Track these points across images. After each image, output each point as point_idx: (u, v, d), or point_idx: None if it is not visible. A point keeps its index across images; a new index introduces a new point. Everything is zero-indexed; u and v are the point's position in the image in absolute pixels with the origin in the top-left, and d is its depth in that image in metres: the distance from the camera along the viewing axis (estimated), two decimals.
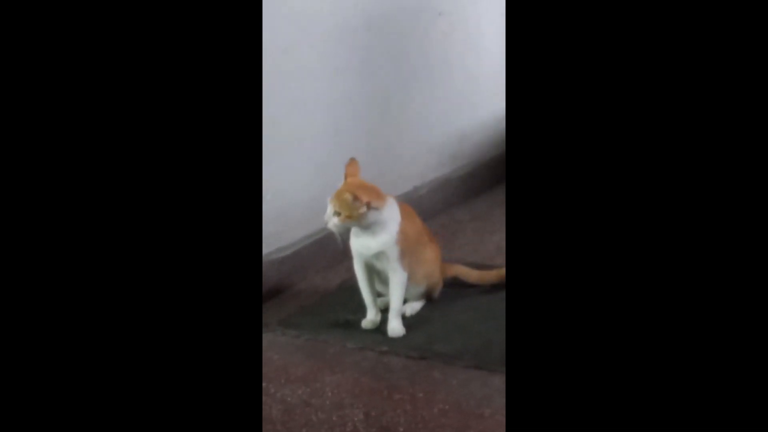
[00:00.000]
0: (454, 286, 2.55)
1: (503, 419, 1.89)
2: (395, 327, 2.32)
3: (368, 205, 2.21)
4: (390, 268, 2.31)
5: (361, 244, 2.29)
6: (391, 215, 2.28)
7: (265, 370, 2.13)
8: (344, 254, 2.51)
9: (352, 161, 2.29)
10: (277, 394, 2.03)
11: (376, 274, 2.36)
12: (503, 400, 1.96)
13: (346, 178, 2.26)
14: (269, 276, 2.55)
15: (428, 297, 2.46)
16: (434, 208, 3.18)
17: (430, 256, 2.44)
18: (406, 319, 2.38)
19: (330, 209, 2.21)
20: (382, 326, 2.33)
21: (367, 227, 2.24)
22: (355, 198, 2.19)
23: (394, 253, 2.29)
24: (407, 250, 2.32)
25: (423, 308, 2.44)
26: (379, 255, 2.29)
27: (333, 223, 2.22)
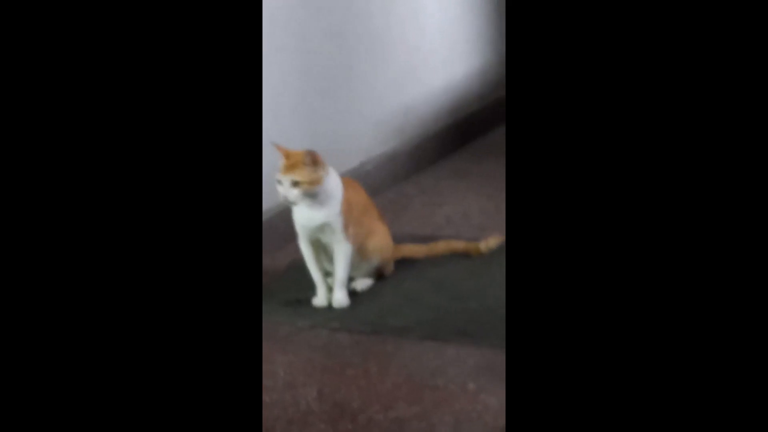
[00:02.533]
0: (404, 260, 2.53)
1: (456, 389, 1.88)
2: (340, 298, 2.30)
3: (324, 169, 2.19)
4: (335, 240, 2.29)
5: (304, 218, 2.27)
6: (334, 185, 2.26)
7: None
8: (291, 235, 2.48)
9: (279, 148, 2.24)
10: None
11: (322, 251, 2.33)
12: (456, 371, 1.96)
13: (285, 158, 2.22)
14: None
15: (380, 275, 2.44)
16: (382, 183, 3.16)
17: (381, 230, 2.42)
18: (357, 295, 2.35)
19: (286, 183, 2.18)
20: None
21: (313, 198, 2.21)
22: (314, 160, 2.17)
23: (338, 224, 2.27)
24: (352, 221, 2.30)
25: (374, 283, 2.41)
26: (324, 227, 2.27)
27: (294, 194, 2.18)
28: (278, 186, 2.20)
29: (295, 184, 2.18)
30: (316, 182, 2.19)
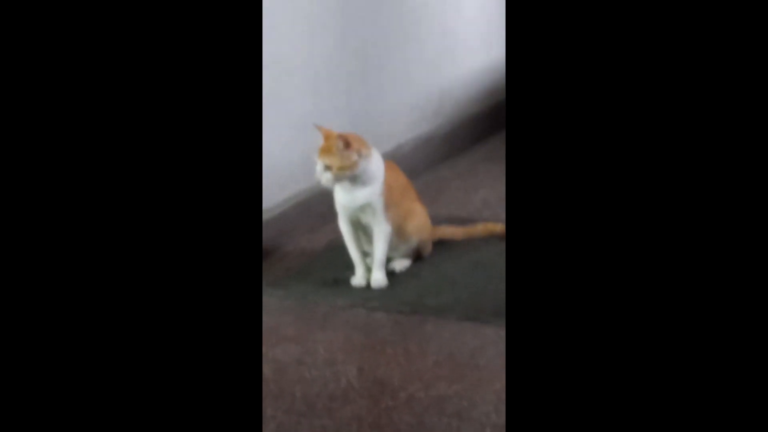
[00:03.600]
0: (442, 242, 2.53)
1: (498, 369, 1.87)
2: (378, 278, 2.30)
3: (359, 153, 2.18)
4: (375, 221, 2.28)
5: (346, 198, 2.27)
6: (377, 166, 2.26)
7: None
8: (329, 215, 2.48)
9: (321, 129, 2.23)
10: (269, 353, 2.00)
11: (361, 231, 2.33)
12: (497, 350, 1.95)
13: (324, 139, 2.22)
14: None
15: (418, 256, 2.44)
16: (417, 166, 3.15)
17: (419, 211, 2.42)
18: (396, 275, 2.35)
19: (320, 165, 2.18)
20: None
21: (355, 179, 2.21)
22: (347, 145, 2.16)
23: (379, 204, 2.26)
24: (392, 202, 2.30)
25: (412, 264, 2.41)
26: (365, 207, 2.27)
27: (326, 178, 2.18)
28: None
29: (327, 168, 2.17)
30: (348, 168, 2.18)
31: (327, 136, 2.21)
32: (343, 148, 2.16)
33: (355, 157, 2.18)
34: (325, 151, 2.18)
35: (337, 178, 2.19)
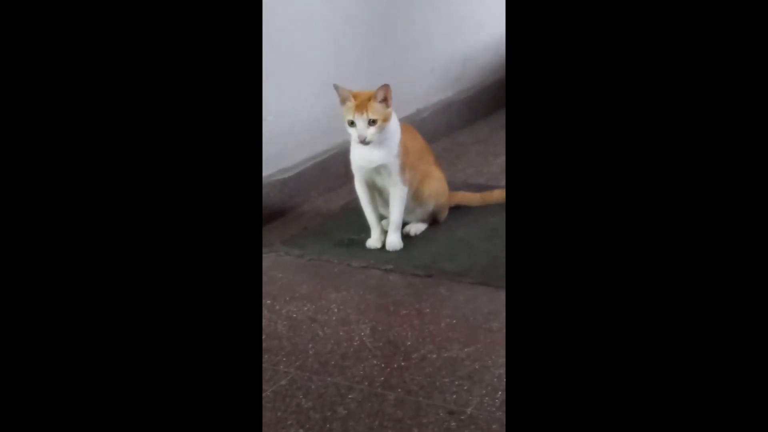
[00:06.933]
0: (458, 207, 2.53)
1: None
2: (393, 241, 2.30)
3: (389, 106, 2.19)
4: (391, 183, 2.28)
5: (362, 158, 2.26)
6: (393, 127, 2.24)
7: (270, 288, 2.12)
8: (346, 177, 2.48)
9: (339, 88, 2.21)
10: (282, 310, 2.01)
11: (378, 194, 2.33)
12: None
13: (345, 100, 2.19)
14: (272, 197, 2.52)
15: (434, 220, 2.44)
16: (437, 131, 3.14)
17: (437, 175, 2.41)
18: (411, 239, 2.35)
19: (362, 123, 2.15)
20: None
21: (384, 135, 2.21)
22: (385, 95, 2.16)
23: (395, 166, 2.26)
24: (408, 164, 2.29)
25: (427, 229, 2.41)
26: (380, 168, 2.26)
27: (371, 133, 2.16)
28: (349, 128, 2.18)
29: (372, 122, 2.16)
30: (387, 119, 2.18)
31: (356, 95, 2.17)
32: (382, 99, 2.16)
33: (389, 109, 2.18)
34: (364, 105, 2.15)
35: (379, 131, 2.17)
